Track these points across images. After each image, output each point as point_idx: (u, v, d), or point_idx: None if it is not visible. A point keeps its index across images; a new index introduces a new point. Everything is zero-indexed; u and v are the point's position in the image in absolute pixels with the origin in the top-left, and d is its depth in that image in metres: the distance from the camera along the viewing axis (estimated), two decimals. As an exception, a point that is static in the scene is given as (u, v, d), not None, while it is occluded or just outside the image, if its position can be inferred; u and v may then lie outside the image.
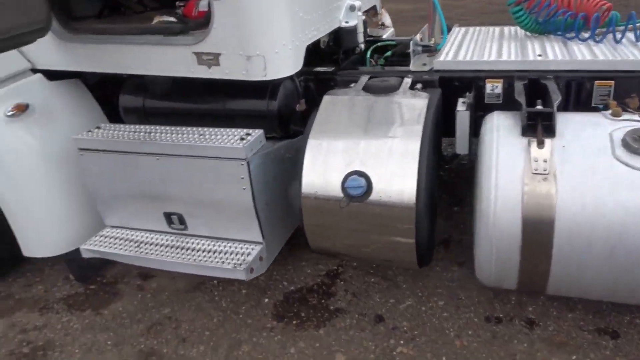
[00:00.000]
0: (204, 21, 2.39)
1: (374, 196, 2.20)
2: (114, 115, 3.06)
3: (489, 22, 3.59)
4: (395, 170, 2.19)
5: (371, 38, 3.52)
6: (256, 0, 2.20)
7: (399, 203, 2.17)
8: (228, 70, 2.38)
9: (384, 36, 3.89)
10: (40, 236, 2.78)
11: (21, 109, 2.62)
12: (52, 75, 2.81)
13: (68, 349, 2.68)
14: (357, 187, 2.20)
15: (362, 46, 3.19)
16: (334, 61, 3.00)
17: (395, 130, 2.28)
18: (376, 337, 2.62)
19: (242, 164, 2.36)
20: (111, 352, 2.64)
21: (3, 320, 2.91)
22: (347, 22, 3.01)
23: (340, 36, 2.98)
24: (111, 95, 3.11)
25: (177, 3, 2.67)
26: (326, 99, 2.50)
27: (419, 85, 2.59)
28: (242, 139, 2.40)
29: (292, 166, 2.83)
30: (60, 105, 2.83)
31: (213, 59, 2.37)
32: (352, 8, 3.07)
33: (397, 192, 2.17)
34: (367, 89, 2.54)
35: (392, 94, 2.47)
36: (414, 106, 2.37)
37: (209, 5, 2.31)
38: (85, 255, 2.70)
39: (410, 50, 2.81)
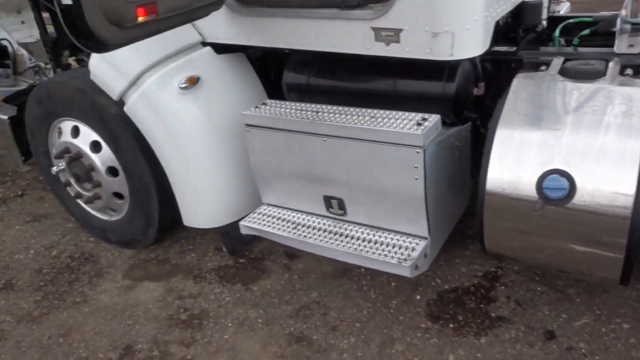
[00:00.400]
0: (385, -7, 2.19)
1: (576, 201, 1.88)
2: (272, 90, 3.01)
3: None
4: (608, 172, 1.84)
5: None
6: (453, -32, 1.95)
7: (610, 212, 1.83)
8: (409, 48, 2.17)
9: (562, 11, 3.41)
10: (201, 208, 2.83)
11: (193, 81, 2.64)
12: (220, 48, 2.80)
13: (221, 321, 2.72)
14: (558, 189, 1.89)
15: (545, 23, 2.80)
16: (510, 40, 2.66)
17: (608, 124, 1.91)
18: (549, 357, 2.32)
19: (418, 152, 2.15)
20: (262, 330, 2.63)
21: (162, 283, 3.04)
22: (531, -5, 2.64)
23: (522, 11, 2.62)
24: (270, 69, 3.07)
25: (353, -27, 2.50)
26: (516, 82, 2.19)
27: (629, 71, 2.17)
28: (418, 124, 2.19)
29: (461, 155, 2.60)
30: (225, 79, 2.82)
31: (393, 36, 2.17)
32: (539, -22, 2.69)
33: (608, 199, 1.83)
34: (565, 73, 2.18)
35: (598, 80, 2.09)
36: (631, 96, 1.98)
37: (395, -25, 2.09)
38: (244, 231, 2.69)
39: (617, 28, 2.37)
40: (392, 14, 2.12)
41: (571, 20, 2.71)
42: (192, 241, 3.38)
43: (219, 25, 2.64)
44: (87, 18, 1.65)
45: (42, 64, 4.04)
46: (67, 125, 3.02)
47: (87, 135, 2.94)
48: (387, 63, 2.39)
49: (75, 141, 2.99)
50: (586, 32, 2.61)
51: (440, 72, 2.37)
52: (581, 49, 2.59)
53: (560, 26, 2.69)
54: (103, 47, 1.80)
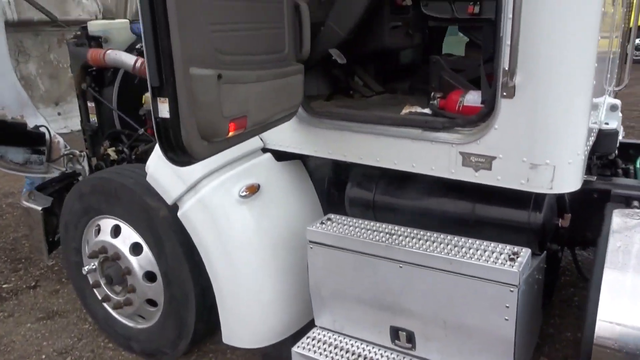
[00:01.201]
0: (475, 119, 2.09)
1: None
2: (323, 199, 2.86)
3: None
4: None
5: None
6: (559, 99, 1.86)
7: None
8: (501, 176, 2.03)
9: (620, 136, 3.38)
10: (247, 325, 2.56)
11: (253, 190, 2.49)
12: (280, 155, 2.68)
13: None
14: (685, 351, 1.66)
15: (616, 152, 2.72)
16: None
17: None
18: None
19: (512, 291, 1.94)
20: None
21: (190, 411, 2.68)
22: (607, 124, 2.58)
23: (599, 140, 2.55)
24: (327, 178, 2.94)
25: (432, 94, 2.43)
26: (617, 221, 2.03)
27: None
28: (511, 259, 2.00)
29: (538, 288, 2.38)
30: (283, 187, 2.68)
31: (484, 162, 2.04)
32: (613, 108, 2.66)
33: None
34: (666, 213, 2.04)
35: None
36: None
37: (494, 101, 1.99)
38: (296, 359, 2.40)
39: None
40: (486, 141, 2.01)
41: (651, 152, 2.63)
42: (222, 356, 3.06)
43: (285, 133, 2.53)
44: (182, 132, 1.52)
45: (77, 152, 3.92)
46: (107, 223, 2.82)
47: (129, 236, 2.73)
48: (465, 185, 2.24)
49: (114, 241, 2.77)
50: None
51: (525, 200, 2.21)
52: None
53: (640, 158, 2.60)
54: (189, 160, 1.65)
